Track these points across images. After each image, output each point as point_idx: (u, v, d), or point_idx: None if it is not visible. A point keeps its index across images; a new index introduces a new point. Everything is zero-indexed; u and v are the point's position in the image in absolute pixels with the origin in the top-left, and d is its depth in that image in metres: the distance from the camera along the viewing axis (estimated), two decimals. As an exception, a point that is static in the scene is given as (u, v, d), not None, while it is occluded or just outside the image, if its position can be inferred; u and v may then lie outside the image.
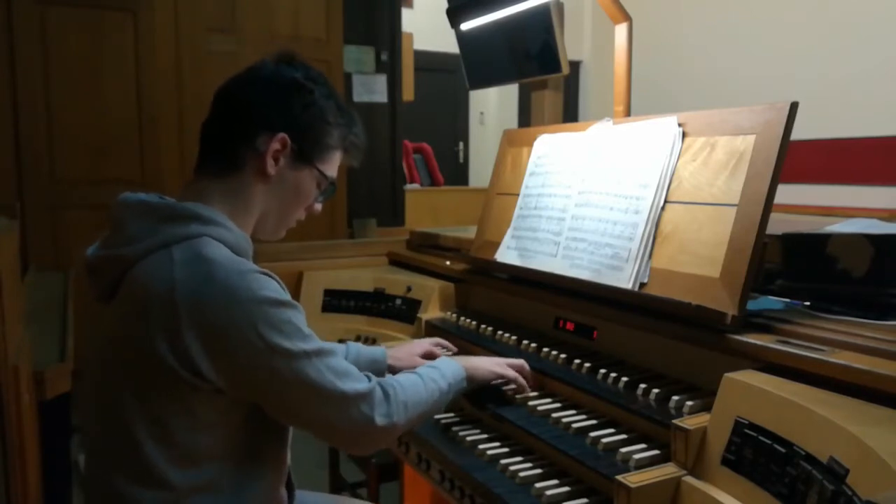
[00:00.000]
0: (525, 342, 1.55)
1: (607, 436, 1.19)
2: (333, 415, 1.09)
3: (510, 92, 7.39)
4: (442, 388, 1.27)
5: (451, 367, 1.32)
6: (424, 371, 1.28)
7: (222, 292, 1.01)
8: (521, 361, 1.44)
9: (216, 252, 1.04)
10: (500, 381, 1.41)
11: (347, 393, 1.09)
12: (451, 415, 1.47)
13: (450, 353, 1.64)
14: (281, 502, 1.19)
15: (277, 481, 1.18)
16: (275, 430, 1.15)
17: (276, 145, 1.14)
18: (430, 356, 1.59)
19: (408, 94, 5.12)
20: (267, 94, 1.16)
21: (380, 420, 1.12)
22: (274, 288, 1.05)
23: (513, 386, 1.41)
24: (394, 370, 1.56)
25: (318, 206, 1.27)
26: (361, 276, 2.16)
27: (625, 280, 1.36)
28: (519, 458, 1.26)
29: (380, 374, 1.54)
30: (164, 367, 1.00)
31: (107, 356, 1.10)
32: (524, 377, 1.42)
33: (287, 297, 1.07)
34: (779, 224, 1.33)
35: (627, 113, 1.90)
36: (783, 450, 0.92)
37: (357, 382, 1.11)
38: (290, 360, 1.04)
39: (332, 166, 1.23)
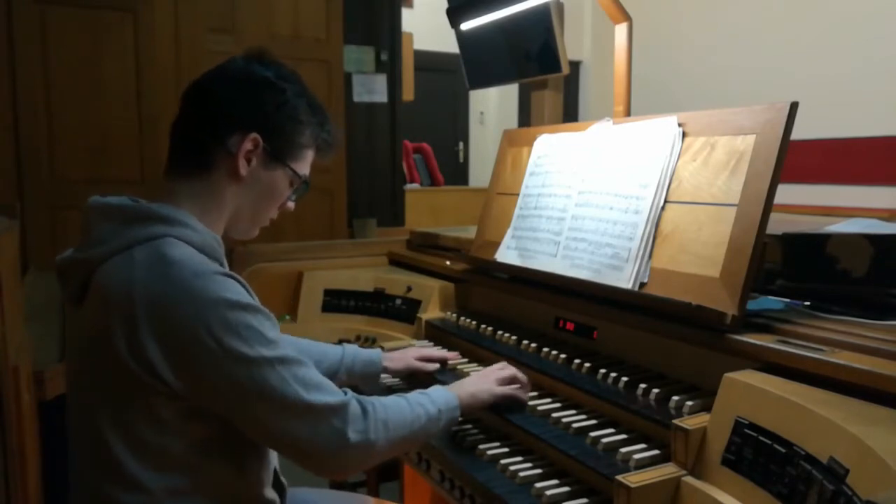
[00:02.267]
0: (525, 342, 1.55)
1: (607, 436, 1.19)
2: (300, 429, 1.03)
3: (510, 92, 7.39)
4: (430, 412, 1.19)
5: (441, 394, 1.25)
6: (412, 395, 1.21)
7: (179, 292, 0.99)
8: (512, 372, 1.38)
9: (178, 252, 1.02)
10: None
11: (314, 404, 1.03)
12: (451, 415, 1.47)
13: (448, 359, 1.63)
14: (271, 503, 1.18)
15: (259, 483, 1.15)
16: None
17: (248, 145, 1.12)
18: (425, 359, 1.59)
19: (408, 94, 5.12)
20: (238, 94, 1.13)
21: (353, 436, 1.05)
22: (234, 290, 1.02)
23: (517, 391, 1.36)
24: (388, 371, 1.56)
25: (291, 205, 1.24)
26: (361, 276, 2.16)
27: (625, 280, 1.36)
28: (519, 458, 1.26)
29: (375, 376, 1.53)
30: (126, 370, 0.99)
31: (78, 359, 1.09)
32: (519, 383, 1.37)
33: (251, 300, 1.03)
34: (779, 224, 1.33)
35: (627, 113, 1.90)
36: (783, 450, 0.92)
37: (328, 395, 1.05)
38: (249, 366, 0.99)
39: (305, 165, 1.22)
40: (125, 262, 1.02)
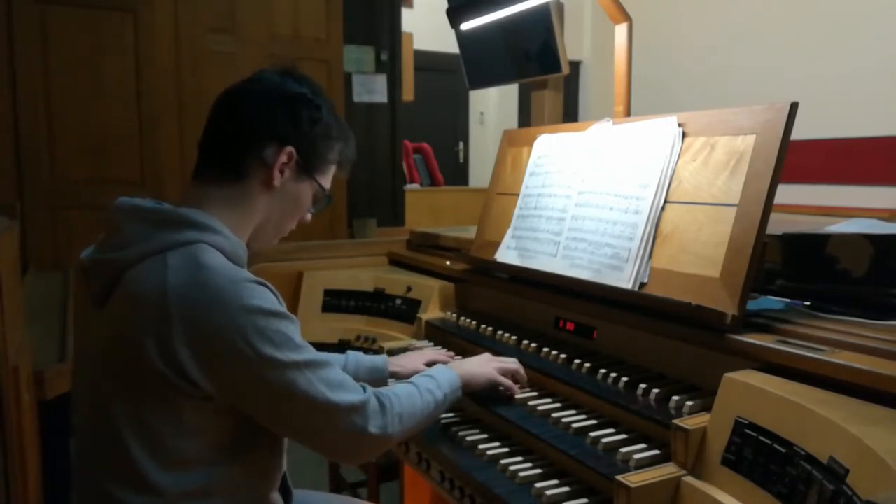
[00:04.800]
0: (525, 342, 1.55)
1: (607, 436, 1.19)
2: (324, 426, 1.08)
3: (510, 92, 7.39)
4: (438, 398, 1.26)
5: (446, 376, 1.31)
6: (420, 381, 1.27)
7: (214, 300, 1.00)
8: (514, 366, 1.44)
9: (211, 259, 1.04)
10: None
11: (339, 404, 1.08)
12: (451, 415, 1.47)
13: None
14: None
15: (269, 487, 1.17)
16: (267, 435, 1.13)
17: (283, 158, 1.16)
18: (433, 364, 1.58)
19: (408, 94, 5.12)
20: (277, 107, 1.17)
21: (373, 431, 1.11)
22: (267, 298, 1.05)
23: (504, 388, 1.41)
24: (398, 376, 1.55)
25: (309, 217, 1.28)
26: (361, 276, 2.16)
27: (625, 280, 1.36)
28: (519, 458, 1.26)
29: (381, 382, 1.52)
30: (154, 372, 1.00)
31: (98, 359, 1.09)
32: (517, 381, 1.43)
33: (281, 308, 1.07)
34: (779, 224, 1.33)
35: (627, 113, 1.90)
36: (783, 450, 0.92)
37: (351, 394, 1.10)
38: (280, 370, 1.03)
39: (329, 179, 1.27)
40: (158, 267, 1.03)
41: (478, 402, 1.42)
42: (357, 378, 1.49)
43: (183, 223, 1.07)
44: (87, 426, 1.12)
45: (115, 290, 1.06)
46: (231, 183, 1.15)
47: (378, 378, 1.52)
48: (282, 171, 1.17)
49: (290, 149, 1.16)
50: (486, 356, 1.45)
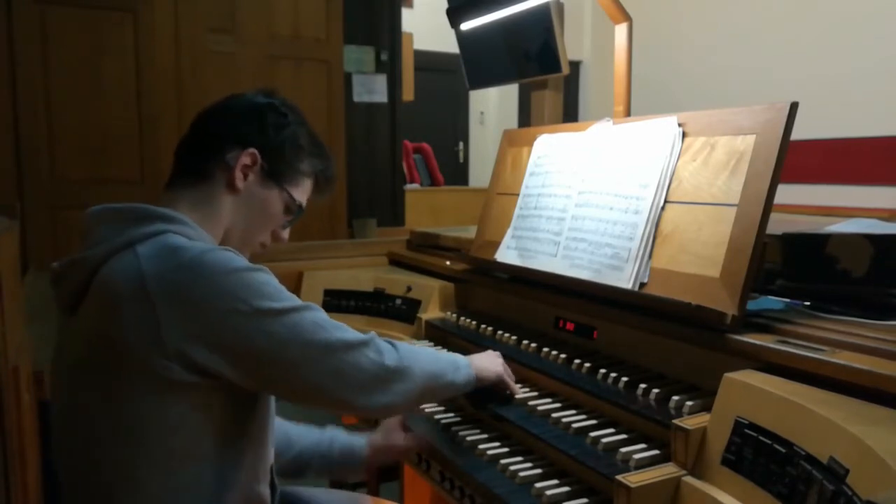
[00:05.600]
0: (525, 342, 1.55)
1: (607, 436, 1.19)
2: (343, 367, 1.08)
3: (510, 92, 7.39)
4: (449, 359, 1.28)
5: (458, 355, 1.33)
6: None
7: (194, 273, 1.01)
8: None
9: (179, 241, 1.05)
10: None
11: (349, 340, 1.09)
12: (451, 415, 1.47)
13: None
14: (263, 500, 1.18)
15: (257, 479, 1.16)
16: (254, 427, 1.13)
17: (245, 159, 1.17)
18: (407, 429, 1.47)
19: (408, 94, 5.12)
20: (242, 113, 1.20)
21: (390, 362, 1.13)
22: (240, 259, 1.06)
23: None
24: (371, 461, 1.43)
25: (285, 235, 1.28)
26: (361, 276, 2.16)
27: (625, 280, 1.36)
28: (519, 458, 1.26)
29: (354, 469, 1.43)
30: (139, 367, 0.99)
31: (74, 369, 1.08)
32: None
33: (255, 264, 1.07)
34: (779, 224, 1.33)
35: (627, 113, 1.90)
36: (783, 450, 0.92)
37: (354, 332, 1.12)
38: (281, 317, 1.03)
39: (302, 193, 1.26)
40: (130, 259, 1.03)
41: (474, 404, 1.41)
42: (332, 455, 1.40)
43: (151, 217, 1.08)
44: (68, 434, 1.10)
45: (89, 291, 1.05)
46: (197, 185, 1.17)
47: (351, 462, 1.41)
48: (245, 174, 1.18)
49: (252, 150, 1.17)
50: (491, 353, 1.44)
